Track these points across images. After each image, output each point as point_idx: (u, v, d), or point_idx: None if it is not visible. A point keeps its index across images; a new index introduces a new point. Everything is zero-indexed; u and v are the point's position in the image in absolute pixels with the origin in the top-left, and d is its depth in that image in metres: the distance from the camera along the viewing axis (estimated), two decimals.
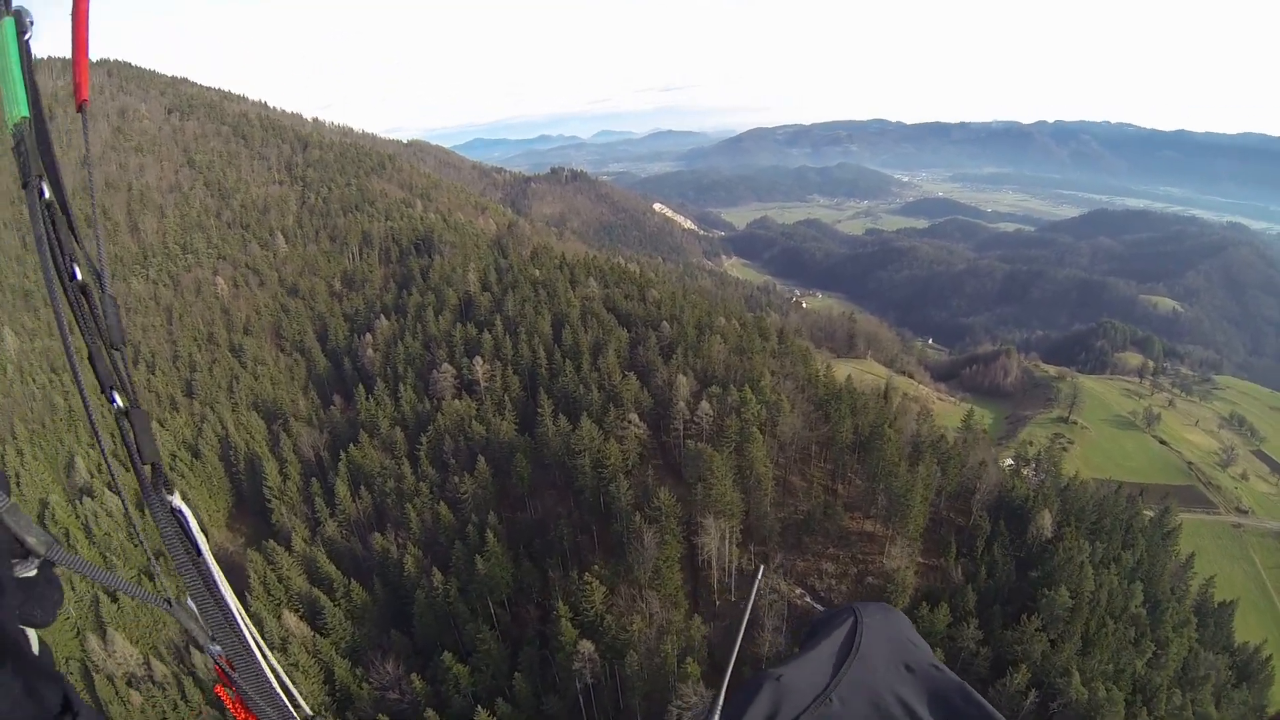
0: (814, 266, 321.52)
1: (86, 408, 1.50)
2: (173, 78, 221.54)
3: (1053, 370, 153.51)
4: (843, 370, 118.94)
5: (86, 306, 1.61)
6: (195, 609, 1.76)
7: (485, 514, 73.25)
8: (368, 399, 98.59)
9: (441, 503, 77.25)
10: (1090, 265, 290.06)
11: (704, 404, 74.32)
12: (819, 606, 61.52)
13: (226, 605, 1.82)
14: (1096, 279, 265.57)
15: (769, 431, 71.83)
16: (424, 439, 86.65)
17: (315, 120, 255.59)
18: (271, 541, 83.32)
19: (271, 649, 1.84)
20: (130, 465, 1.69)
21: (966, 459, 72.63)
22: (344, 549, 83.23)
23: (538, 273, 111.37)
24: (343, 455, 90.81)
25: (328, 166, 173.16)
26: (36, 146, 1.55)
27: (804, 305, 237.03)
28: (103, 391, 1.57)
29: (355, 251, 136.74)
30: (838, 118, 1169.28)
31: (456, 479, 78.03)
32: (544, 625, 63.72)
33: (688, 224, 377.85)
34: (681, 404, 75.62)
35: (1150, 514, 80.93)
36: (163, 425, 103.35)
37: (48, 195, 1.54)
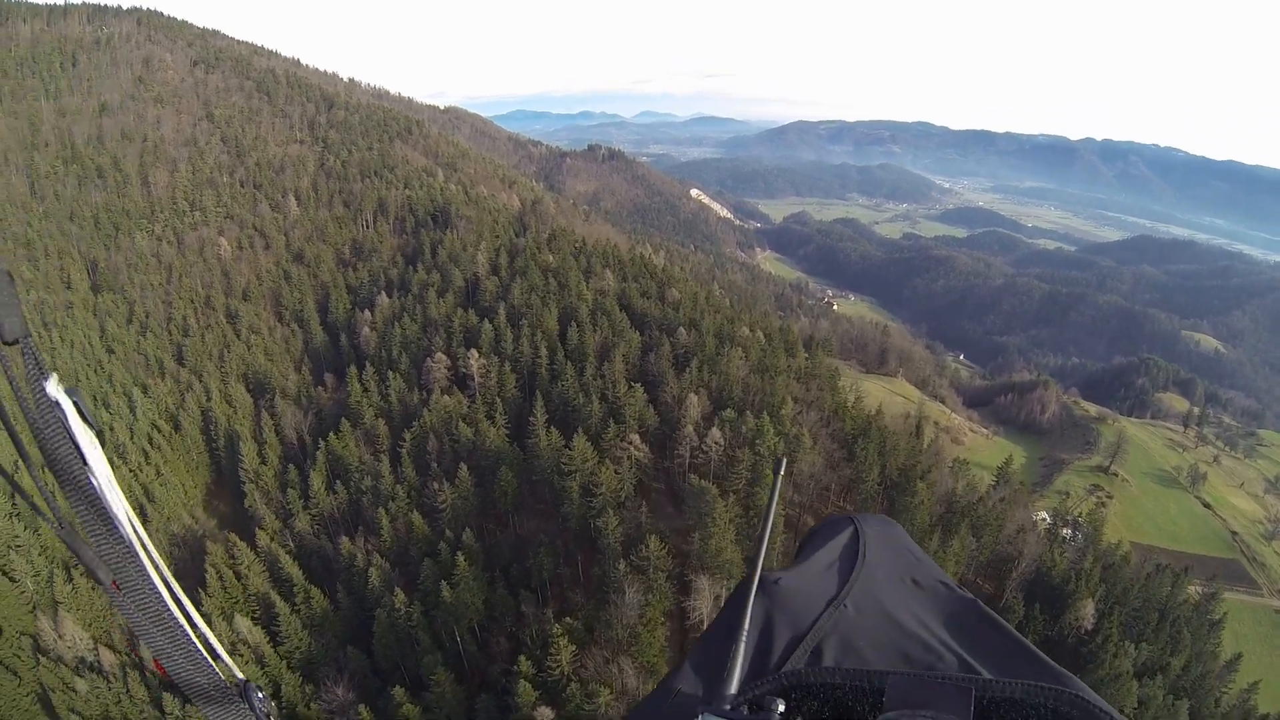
0: (849, 267, 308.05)
1: None
2: (204, 29, 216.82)
3: (1093, 410, 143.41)
4: (873, 388, 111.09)
5: None
6: (85, 536, 1.37)
7: (461, 530, 66.64)
8: (359, 382, 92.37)
9: (416, 511, 70.77)
10: (1131, 293, 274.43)
11: (714, 431, 66.81)
12: None
13: (118, 533, 1.39)
14: (1138, 309, 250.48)
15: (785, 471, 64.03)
16: (408, 435, 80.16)
17: (350, 80, 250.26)
18: (233, 534, 77.48)
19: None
20: None
21: (1004, 524, 64.73)
22: (313, 547, 77.51)
23: (551, 259, 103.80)
24: (322, 444, 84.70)
25: (351, 129, 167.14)
26: None
27: (835, 308, 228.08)
28: None
29: (369, 219, 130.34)
30: (882, 117, 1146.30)
31: (436, 485, 71.40)
32: (512, 663, 57.00)
33: (723, 212, 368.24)
34: (690, 428, 68.28)
35: (1195, 589, 72.89)
36: (145, 392, 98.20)
37: None
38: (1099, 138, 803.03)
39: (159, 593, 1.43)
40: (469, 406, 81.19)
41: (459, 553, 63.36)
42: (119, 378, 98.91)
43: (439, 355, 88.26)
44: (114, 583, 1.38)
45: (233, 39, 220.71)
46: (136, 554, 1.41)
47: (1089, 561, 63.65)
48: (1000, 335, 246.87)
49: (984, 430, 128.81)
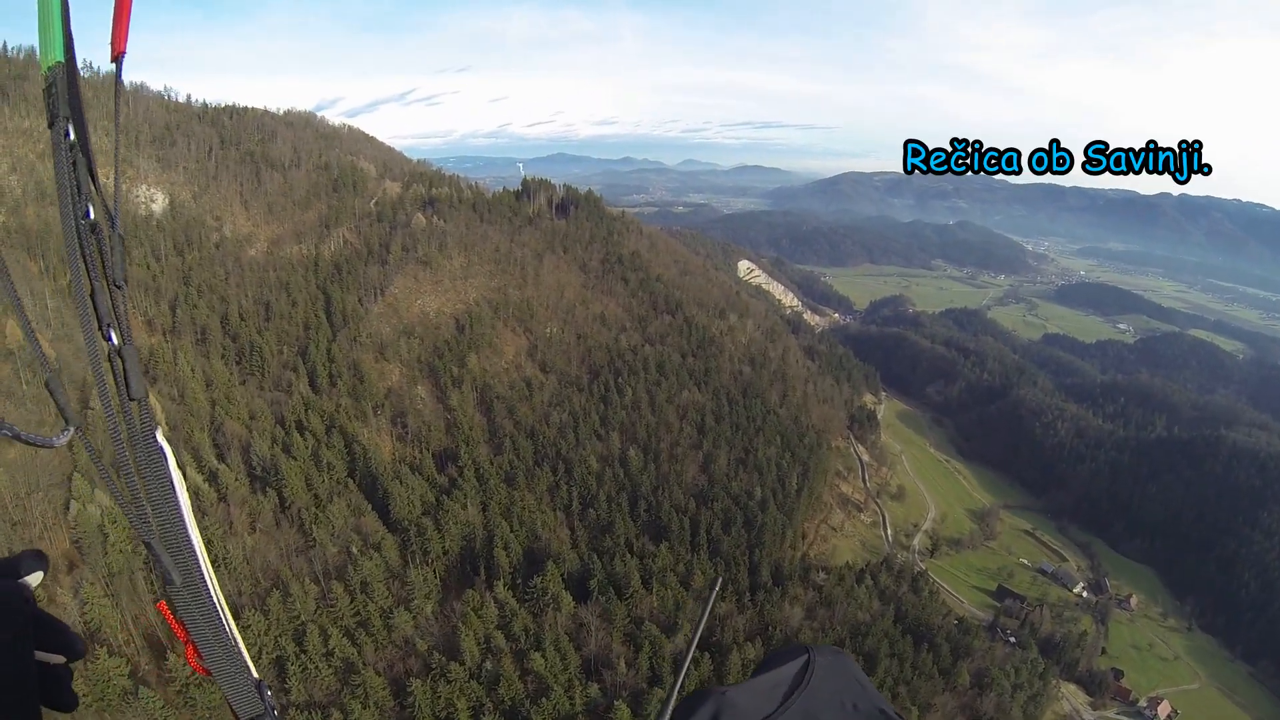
0: (1023, 440, 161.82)
1: (89, 342, 1.58)
2: None
3: None
4: None
5: (95, 245, 1.68)
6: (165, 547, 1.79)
7: None
8: None
9: None
10: None
11: None
12: None
13: (193, 549, 1.83)
14: None
15: None
16: None
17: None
18: None
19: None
20: (120, 401, 1.71)
21: None
22: None
23: None
24: None
25: None
26: (66, 90, 1.63)
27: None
28: (100, 328, 1.64)
29: None
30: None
31: None
32: None
33: (790, 298, 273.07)
34: None
35: None
36: None
37: (72, 137, 1.62)
38: (1174, 193, 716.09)
39: (213, 596, 1.83)
40: None
41: None
42: None
43: None
44: (182, 583, 1.76)
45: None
46: (201, 565, 1.82)
47: None
48: None
49: None
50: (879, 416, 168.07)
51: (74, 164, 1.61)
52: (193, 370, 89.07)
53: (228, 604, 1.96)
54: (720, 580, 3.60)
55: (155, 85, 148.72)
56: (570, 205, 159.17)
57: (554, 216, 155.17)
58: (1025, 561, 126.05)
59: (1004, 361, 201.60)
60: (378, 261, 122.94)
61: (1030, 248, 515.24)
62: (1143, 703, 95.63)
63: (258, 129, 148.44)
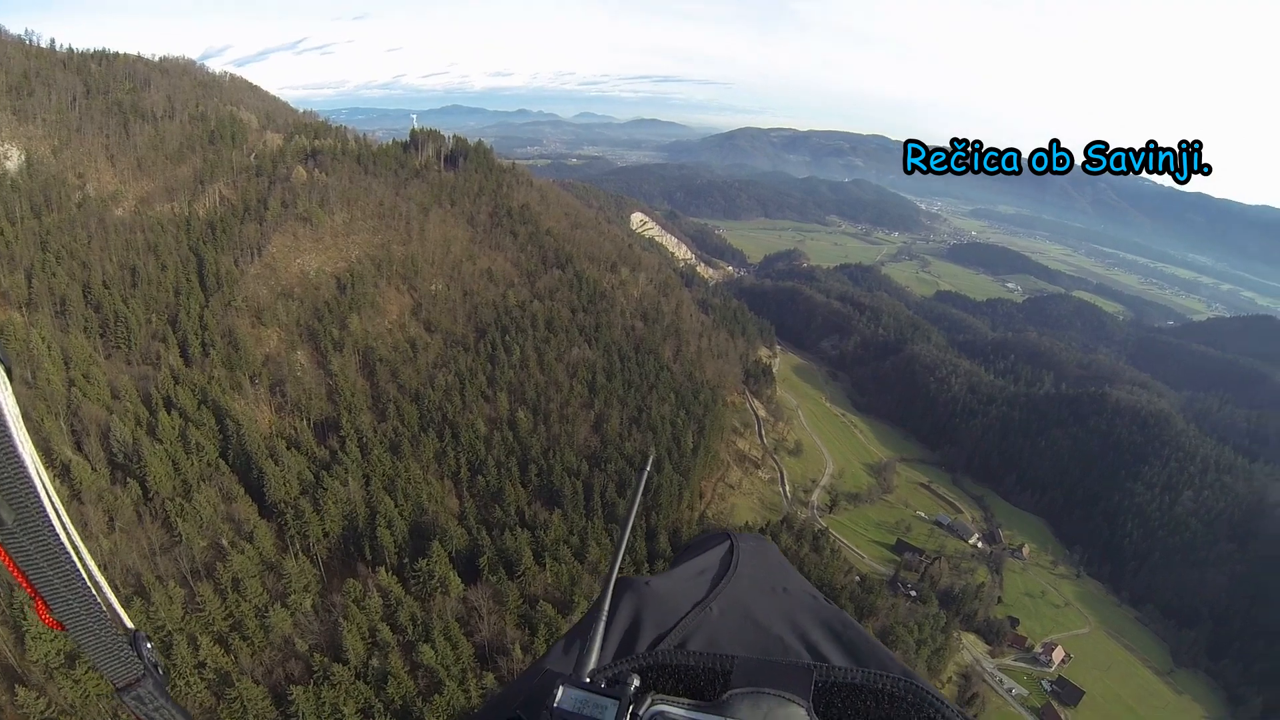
0: (917, 395, 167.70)
1: None
2: None
3: None
4: None
5: None
6: None
7: None
8: None
9: None
10: None
11: None
12: None
13: (27, 477, 1.25)
14: None
15: None
16: None
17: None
18: None
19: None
20: None
21: None
22: None
23: None
24: None
25: None
26: None
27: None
28: None
29: None
30: (834, 128, 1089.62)
31: None
32: None
33: (683, 251, 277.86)
34: None
35: None
36: None
37: None
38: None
39: (57, 534, 1.34)
40: None
41: None
42: None
43: None
44: (16, 522, 1.28)
45: None
46: (38, 492, 1.28)
47: None
48: None
49: None
50: (774, 371, 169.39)
51: None
52: (48, 346, 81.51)
53: (83, 543, 1.45)
54: (653, 456, 3.44)
55: (14, 27, 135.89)
56: (460, 157, 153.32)
57: (442, 169, 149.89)
58: (922, 514, 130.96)
59: (898, 317, 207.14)
60: (255, 219, 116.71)
61: (924, 207, 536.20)
62: (1038, 649, 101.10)
63: (128, 77, 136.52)
